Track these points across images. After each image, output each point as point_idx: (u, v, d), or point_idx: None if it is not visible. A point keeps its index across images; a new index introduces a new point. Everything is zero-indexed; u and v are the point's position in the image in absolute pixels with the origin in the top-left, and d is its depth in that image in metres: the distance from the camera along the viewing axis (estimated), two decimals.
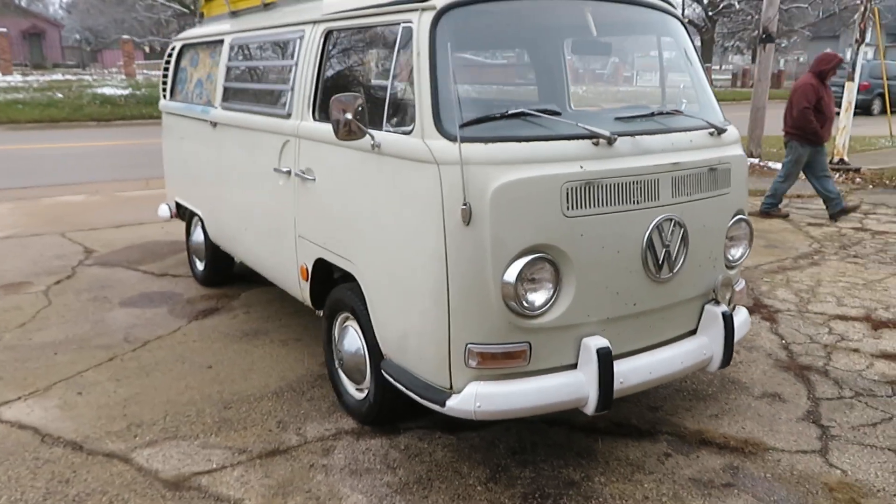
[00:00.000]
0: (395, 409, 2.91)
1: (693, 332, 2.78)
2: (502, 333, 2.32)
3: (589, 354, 2.38)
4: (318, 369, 3.56)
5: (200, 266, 4.92)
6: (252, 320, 4.23)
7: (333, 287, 3.14)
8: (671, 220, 2.50)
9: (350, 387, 3.08)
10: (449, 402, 2.34)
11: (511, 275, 2.26)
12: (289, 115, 3.17)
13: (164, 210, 5.31)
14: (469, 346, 2.32)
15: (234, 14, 4.17)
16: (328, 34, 2.97)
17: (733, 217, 2.80)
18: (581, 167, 2.31)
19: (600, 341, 2.39)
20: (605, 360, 2.35)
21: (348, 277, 3.03)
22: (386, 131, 2.50)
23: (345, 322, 3.08)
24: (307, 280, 3.19)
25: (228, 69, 3.93)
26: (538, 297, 2.32)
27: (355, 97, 2.40)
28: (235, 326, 4.13)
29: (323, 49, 2.99)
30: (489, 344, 2.32)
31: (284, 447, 2.85)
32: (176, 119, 4.78)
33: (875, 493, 2.53)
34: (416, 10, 2.39)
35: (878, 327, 4.09)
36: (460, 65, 2.40)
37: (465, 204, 2.21)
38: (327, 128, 2.87)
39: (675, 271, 2.56)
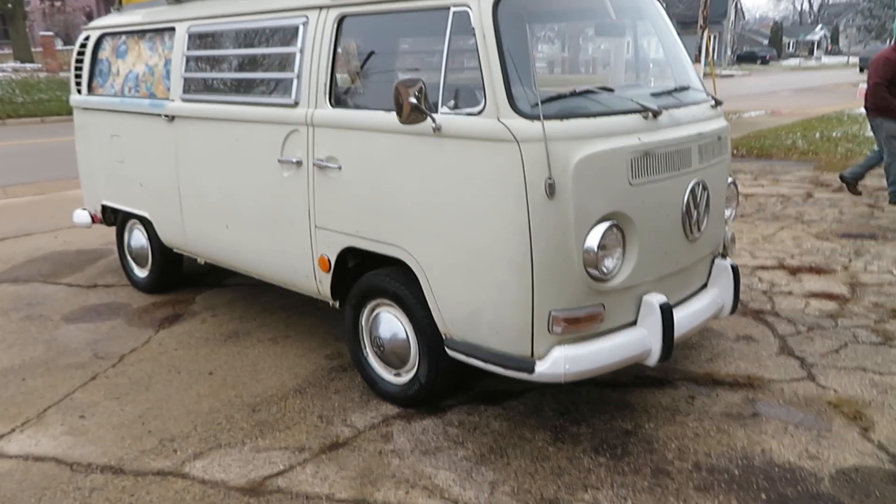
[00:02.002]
0: (444, 388, 2.97)
1: (704, 286, 3.10)
2: (582, 298, 2.48)
3: (651, 309, 2.61)
4: (326, 362, 3.51)
5: (142, 272, 4.58)
6: (225, 323, 4.04)
7: (350, 277, 3.13)
8: (700, 183, 2.79)
9: (385, 373, 3.09)
10: (538, 369, 2.46)
11: (591, 242, 2.43)
12: (296, 104, 3.09)
13: (81, 216, 4.86)
14: (553, 312, 2.45)
15: (180, 0, 3.92)
16: (342, 19, 2.93)
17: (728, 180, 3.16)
18: (639, 139, 2.52)
19: (661, 297, 2.63)
20: (667, 313, 2.59)
21: (372, 265, 3.05)
22: (442, 114, 2.54)
23: (374, 310, 3.08)
24: (328, 271, 3.14)
25: (188, 59, 3.70)
26: (610, 262, 2.51)
27: (417, 81, 2.43)
28: (211, 331, 3.93)
29: (337, 35, 2.94)
30: (572, 309, 2.47)
31: (342, 439, 2.82)
32: (102, 115, 4.40)
33: (868, 404, 3.00)
34: None
35: (794, 272, 4.73)
36: (524, 45, 2.50)
37: (549, 178, 2.33)
38: (353, 114, 2.88)
39: (701, 230, 2.86)
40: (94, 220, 4.80)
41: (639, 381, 3.23)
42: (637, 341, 2.60)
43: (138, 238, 4.52)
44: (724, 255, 3.11)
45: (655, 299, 2.61)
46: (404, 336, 2.95)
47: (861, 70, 36.95)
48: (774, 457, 2.63)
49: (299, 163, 3.12)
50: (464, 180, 2.52)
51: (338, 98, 2.97)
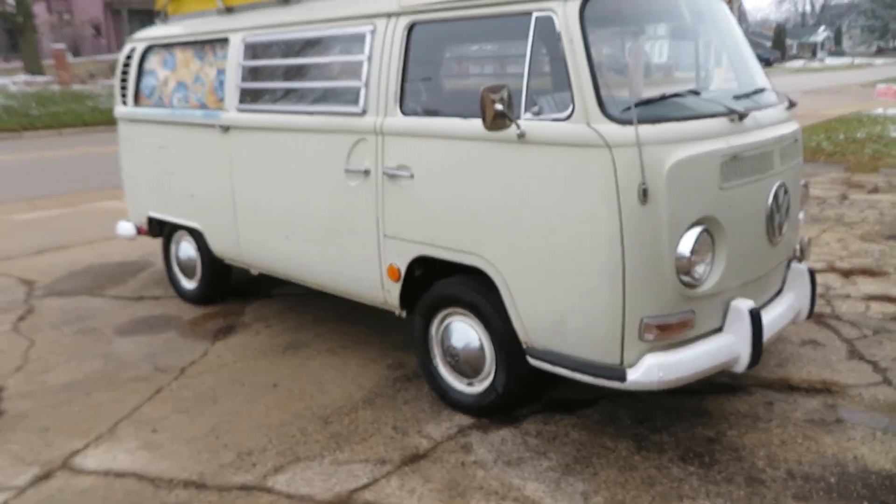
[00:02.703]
0: (519, 397, 2.94)
1: (779, 290, 3.06)
2: (673, 304, 2.45)
3: (740, 315, 2.57)
4: (389, 372, 3.48)
5: (190, 284, 4.56)
6: (279, 334, 4.01)
7: (416, 286, 3.10)
8: (783, 186, 2.75)
9: (457, 383, 3.06)
10: (630, 377, 2.42)
11: (684, 247, 2.40)
12: (364, 113, 3.06)
13: (126, 228, 4.84)
14: (645, 319, 2.42)
15: (231, 10, 3.91)
16: (413, 27, 2.90)
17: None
18: (728, 143, 2.48)
19: (749, 303, 2.59)
20: (756, 319, 2.55)
21: (441, 274, 3.02)
22: (525, 120, 2.51)
23: (445, 319, 3.04)
24: (397, 280, 3.10)
25: (245, 69, 3.68)
26: (702, 267, 2.47)
27: (502, 87, 2.40)
28: (267, 342, 3.90)
29: (408, 43, 2.92)
30: (664, 315, 2.43)
31: (422, 451, 2.78)
32: (150, 127, 4.38)
33: None
34: None
35: (846, 275, 4.68)
36: (611, 49, 2.48)
37: (643, 183, 2.30)
38: (427, 122, 2.85)
39: (783, 233, 2.82)
40: (139, 232, 4.78)
41: (712, 388, 3.18)
42: (726, 348, 2.56)
43: (187, 250, 4.50)
44: (799, 259, 3.07)
45: (744, 305, 2.57)
46: (479, 345, 2.92)
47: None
48: (868, 464, 2.58)
49: (367, 172, 3.09)
50: (550, 187, 2.49)
51: (409, 106, 2.94)
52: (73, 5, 34.39)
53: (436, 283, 3.05)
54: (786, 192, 2.79)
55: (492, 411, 2.96)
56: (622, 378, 2.44)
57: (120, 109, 4.64)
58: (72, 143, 14.39)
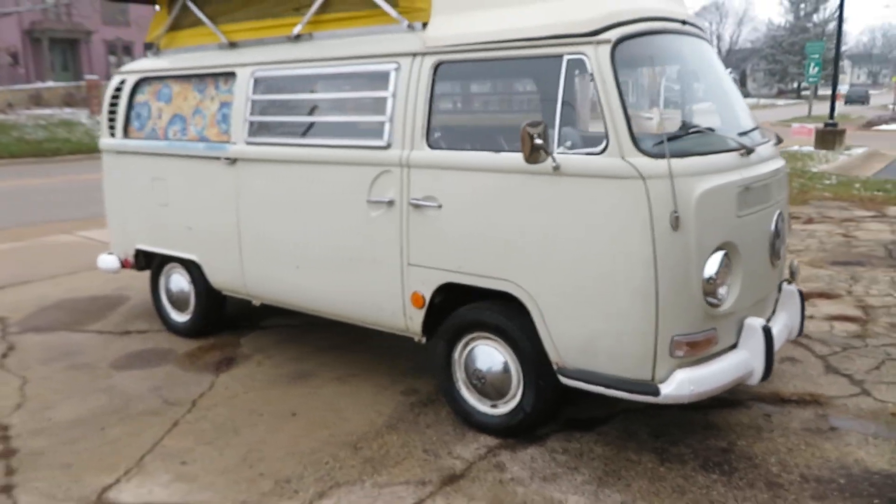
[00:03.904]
0: (545, 416, 3.08)
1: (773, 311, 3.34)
2: (699, 322, 2.66)
3: (753, 332, 2.81)
4: (403, 398, 3.56)
5: (181, 317, 4.51)
6: (282, 364, 4.02)
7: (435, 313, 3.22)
8: (780, 215, 3.04)
9: (480, 405, 3.17)
10: (664, 391, 2.61)
11: (710, 270, 2.62)
12: (388, 146, 3.19)
13: (109, 261, 4.75)
14: (675, 337, 2.62)
15: (235, 45, 3.99)
16: (439, 65, 3.07)
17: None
18: (741, 175, 2.74)
19: (761, 320, 2.83)
20: (769, 335, 2.80)
21: (462, 300, 3.15)
22: (559, 153, 2.70)
23: (468, 344, 3.17)
24: (421, 307, 3.21)
25: (255, 103, 3.75)
26: (724, 288, 2.71)
27: (540, 122, 2.58)
28: (272, 373, 3.91)
29: (434, 80, 3.08)
30: (692, 333, 2.64)
31: (458, 471, 2.88)
32: (142, 159, 4.35)
33: None
34: (591, 43, 2.65)
35: (806, 298, 5.05)
36: (640, 87, 2.71)
37: (675, 212, 2.52)
38: (456, 155, 3.01)
39: (781, 258, 3.10)
40: (123, 265, 4.70)
41: (714, 403, 3.40)
42: (743, 362, 2.79)
43: (178, 282, 4.46)
44: (790, 281, 3.36)
45: (757, 322, 2.81)
46: (506, 368, 3.05)
47: (846, 103, 43.81)
48: (869, 465, 2.85)
49: (391, 202, 3.20)
50: (583, 215, 2.67)
51: (435, 140, 3.08)
52: None
53: (459, 308, 3.17)
54: (783, 219, 3.08)
55: (519, 431, 3.09)
56: (655, 393, 2.63)
57: (107, 141, 4.59)
58: (9, 174, 13.78)
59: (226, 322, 4.58)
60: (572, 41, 2.69)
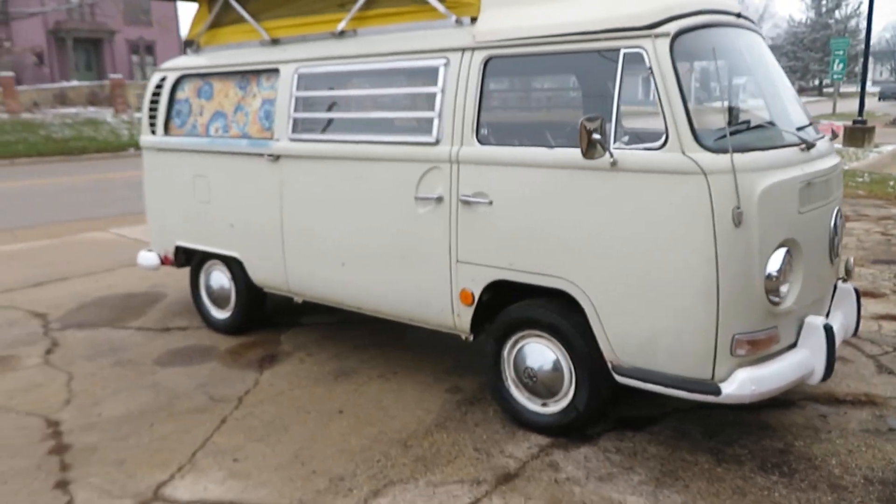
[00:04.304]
0: (598, 415, 3.04)
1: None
2: (761, 321, 2.61)
3: (814, 331, 2.75)
4: (449, 396, 3.54)
5: (221, 314, 4.52)
6: (324, 362, 4.02)
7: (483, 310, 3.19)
8: (839, 211, 2.98)
9: (530, 404, 3.14)
10: (725, 390, 2.56)
11: (772, 267, 2.57)
12: (437, 142, 3.16)
13: (148, 258, 4.77)
14: (736, 336, 2.57)
15: (277, 42, 3.98)
16: (489, 60, 3.03)
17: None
18: (802, 170, 2.69)
19: (822, 319, 2.77)
20: (830, 334, 2.74)
21: (510, 298, 3.12)
22: (616, 149, 2.66)
23: (518, 342, 3.14)
24: (470, 305, 3.19)
25: (299, 100, 3.74)
26: (786, 286, 2.65)
27: (598, 118, 2.55)
28: (315, 370, 3.90)
29: (484, 75, 3.05)
30: (754, 331, 2.59)
31: (511, 470, 2.85)
32: (183, 156, 4.37)
33: None
34: (649, 36, 2.61)
35: None
36: (700, 81, 2.66)
37: (738, 207, 2.47)
38: (509, 151, 2.98)
39: (838, 254, 3.04)
40: (163, 262, 4.72)
41: (767, 403, 3.34)
42: (804, 361, 2.73)
43: (219, 279, 4.47)
44: (845, 279, 3.29)
45: (818, 321, 2.76)
46: (558, 366, 3.02)
47: (879, 99, 45.21)
48: None
49: (440, 199, 3.18)
50: (642, 212, 2.63)
51: (485, 136, 3.06)
52: (14, 32, 33.41)
53: (509, 306, 3.14)
54: (840, 216, 3.02)
55: (571, 430, 3.05)
56: (716, 392, 2.58)
57: (148, 139, 4.61)
58: (29, 174, 13.96)
59: (265, 319, 4.58)
60: (630, 34, 2.65)
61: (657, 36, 2.60)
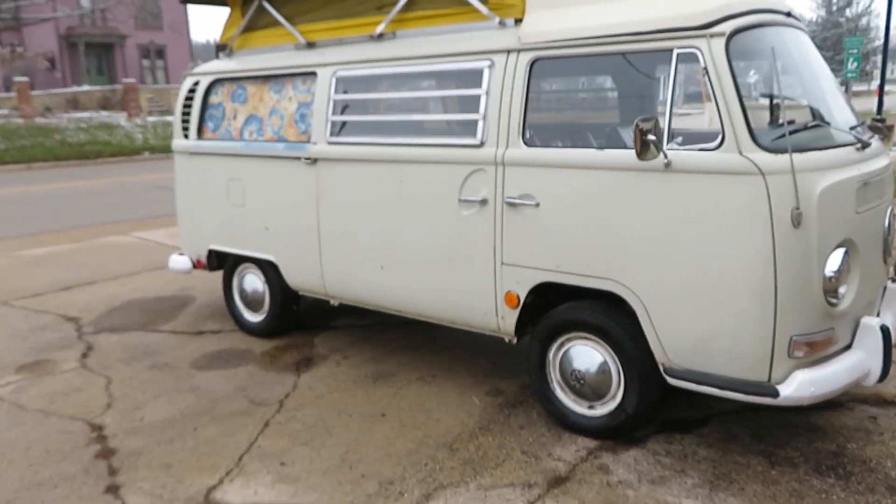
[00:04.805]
0: (646, 418, 3.02)
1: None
2: (819, 322, 2.58)
3: (871, 332, 2.72)
4: (490, 399, 3.52)
5: (255, 317, 4.52)
6: (361, 364, 4.00)
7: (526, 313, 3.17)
8: (892, 211, 2.94)
9: (576, 406, 3.12)
10: (784, 392, 2.54)
11: (831, 268, 2.54)
12: (482, 144, 3.15)
13: (181, 262, 4.77)
14: (794, 337, 2.54)
15: (313, 45, 3.98)
16: (535, 62, 3.02)
17: None
18: (859, 170, 2.66)
19: (877, 320, 2.74)
20: (887, 335, 2.71)
21: (554, 300, 3.10)
22: (670, 150, 2.64)
23: (564, 344, 3.12)
24: (515, 307, 3.17)
25: (337, 103, 3.73)
26: (844, 287, 2.62)
27: (652, 118, 2.53)
28: (352, 373, 3.89)
29: (530, 77, 3.03)
30: (812, 333, 2.56)
31: (562, 474, 2.83)
32: (217, 159, 4.37)
33: None
34: (703, 36, 2.58)
35: None
36: (756, 81, 2.64)
37: (797, 208, 2.45)
38: (557, 153, 2.96)
39: (891, 255, 3.01)
40: (195, 265, 4.72)
41: (814, 405, 3.31)
42: (861, 363, 2.70)
43: (252, 282, 4.47)
44: (894, 280, 3.26)
45: (874, 322, 2.73)
46: (606, 368, 3.00)
47: None
48: None
49: (484, 201, 3.16)
50: (697, 213, 2.61)
51: (531, 137, 3.04)
52: (26, 38, 33.64)
53: (556, 308, 3.12)
54: (893, 216, 2.99)
55: (619, 432, 3.03)
56: (774, 394, 2.55)
57: (180, 143, 4.61)
58: (46, 178, 14.01)
59: (298, 322, 4.58)
60: (683, 34, 2.63)
61: (712, 36, 2.58)
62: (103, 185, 12.84)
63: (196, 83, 4.54)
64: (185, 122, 4.58)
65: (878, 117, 15.10)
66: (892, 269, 3.25)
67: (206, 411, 3.46)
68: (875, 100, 18.31)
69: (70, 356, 4.23)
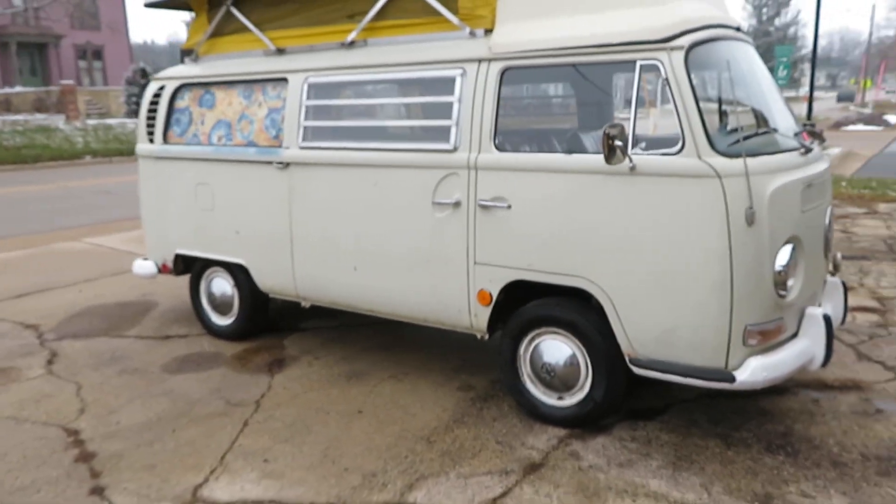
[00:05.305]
0: (613, 406, 3.20)
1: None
2: (770, 312, 2.81)
3: (815, 321, 2.97)
4: (462, 394, 3.66)
5: (223, 320, 4.55)
6: (333, 364, 4.09)
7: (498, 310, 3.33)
8: (831, 210, 3.21)
9: (546, 398, 3.29)
10: (739, 377, 2.76)
11: (780, 262, 2.78)
12: (455, 149, 3.29)
13: (145, 267, 4.76)
14: (748, 327, 2.77)
15: (282, 52, 4.05)
16: (506, 71, 3.18)
17: None
18: (804, 172, 2.91)
19: (820, 309, 3.00)
20: (829, 323, 2.96)
21: (524, 297, 3.27)
22: (635, 155, 2.84)
23: (534, 339, 3.28)
24: (488, 305, 3.32)
25: (310, 108, 3.82)
26: (791, 279, 2.86)
27: (619, 125, 2.72)
28: (325, 373, 3.97)
29: (500, 85, 3.19)
30: (764, 322, 2.79)
31: (537, 460, 2.99)
32: (185, 164, 4.38)
33: None
34: (664, 49, 2.79)
35: None
36: (712, 90, 2.85)
37: (751, 208, 2.67)
38: (528, 157, 3.13)
39: (830, 250, 3.28)
40: (161, 270, 4.72)
41: (764, 391, 3.55)
42: (807, 349, 2.95)
43: (221, 286, 4.50)
44: (833, 273, 3.54)
45: (818, 311, 2.98)
46: (575, 361, 3.17)
47: (838, 100, 48.96)
48: None
49: (457, 204, 3.31)
50: (659, 213, 2.81)
51: (502, 143, 3.20)
52: None
53: (526, 305, 3.28)
54: (832, 215, 3.26)
55: (587, 421, 3.21)
56: (731, 380, 2.77)
57: (145, 147, 4.61)
58: None
59: (268, 325, 4.63)
60: (646, 47, 2.83)
61: (673, 49, 2.79)
62: (48, 191, 12.47)
63: (161, 88, 4.55)
64: (151, 126, 4.58)
65: (808, 122, 15.88)
66: (831, 264, 3.53)
67: (183, 413, 3.49)
68: (805, 105, 19.20)
69: (35, 363, 4.18)
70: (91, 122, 24.59)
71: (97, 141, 19.14)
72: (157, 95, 4.56)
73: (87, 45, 35.44)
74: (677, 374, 2.88)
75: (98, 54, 36.12)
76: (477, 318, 3.39)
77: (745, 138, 2.79)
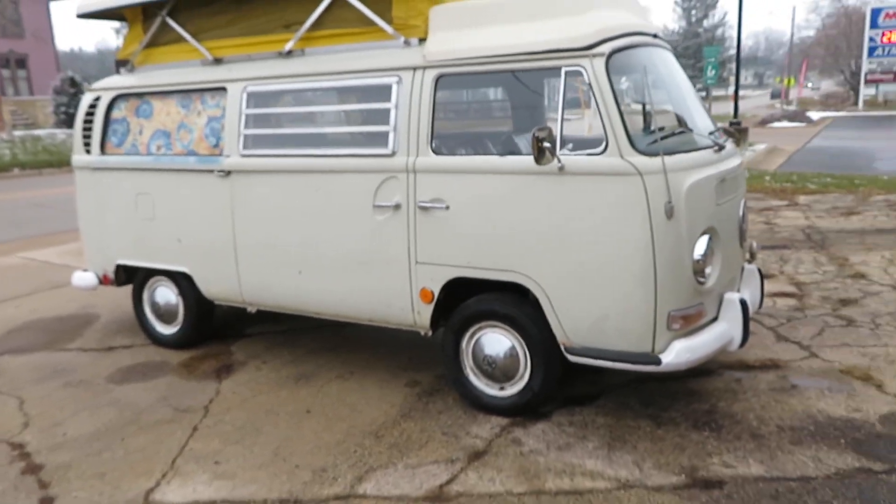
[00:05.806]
0: (550, 394, 3.38)
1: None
2: (690, 298, 3.03)
3: (732, 305, 3.21)
4: (408, 390, 3.78)
5: (168, 329, 4.56)
6: (281, 367, 4.16)
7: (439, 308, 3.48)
8: (745, 203, 3.47)
9: (489, 389, 3.44)
10: (666, 360, 2.96)
11: (698, 252, 3.00)
12: (393, 154, 3.42)
13: (85, 279, 4.73)
14: (671, 312, 2.98)
15: (220, 61, 4.11)
16: (440, 77, 3.32)
17: None
18: (717, 169, 3.14)
19: (738, 295, 3.24)
20: (745, 307, 3.21)
21: (463, 294, 3.42)
22: (563, 155, 3.02)
23: (475, 334, 3.44)
24: (430, 302, 3.45)
25: (249, 117, 3.88)
26: (709, 267, 3.09)
27: (547, 128, 2.89)
28: (273, 376, 4.04)
29: (435, 91, 3.33)
30: (685, 308, 3.01)
31: (480, 448, 3.14)
32: (124, 174, 4.38)
33: (868, 369, 3.79)
34: (587, 56, 2.98)
35: None
36: (632, 94, 3.06)
37: (669, 202, 2.88)
38: (464, 160, 3.28)
39: (745, 240, 3.54)
40: (102, 281, 4.69)
41: (690, 373, 3.81)
42: (726, 332, 3.18)
43: (165, 295, 4.50)
44: (750, 261, 3.81)
45: (735, 296, 3.22)
46: (514, 352, 3.34)
47: (771, 98, 49.66)
48: (830, 413, 3.30)
49: (397, 206, 3.43)
50: (587, 209, 3.00)
51: (439, 146, 3.34)
52: None
53: (467, 301, 3.43)
54: (745, 207, 3.52)
55: (527, 409, 3.37)
56: (658, 362, 2.98)
57: (82, 158, 4.58)
58: None
59: (214, 332, 4.65)
60: (570, 55, 3.01)
61: (594, 56, 2.98)
62: None
63: (97, 98, 4.53)
64: (87, 137, 4.55)
65: (735, 120, 16.63)
66: (748, 253, 3.80)
67: (131, 422, 3.51)
68: (732, 104, 20.00)
69: None
70: (18, 133, 23.72)
71: (25, 153, 18.48)
72: (92, 106, 4.54)
73: (9, 53, 34.06)
74: (609, 360, 3.07)
75: (22, 63, 34.78)
76: (420, 316, 3.52)
77: (664, 138, 3.00)
